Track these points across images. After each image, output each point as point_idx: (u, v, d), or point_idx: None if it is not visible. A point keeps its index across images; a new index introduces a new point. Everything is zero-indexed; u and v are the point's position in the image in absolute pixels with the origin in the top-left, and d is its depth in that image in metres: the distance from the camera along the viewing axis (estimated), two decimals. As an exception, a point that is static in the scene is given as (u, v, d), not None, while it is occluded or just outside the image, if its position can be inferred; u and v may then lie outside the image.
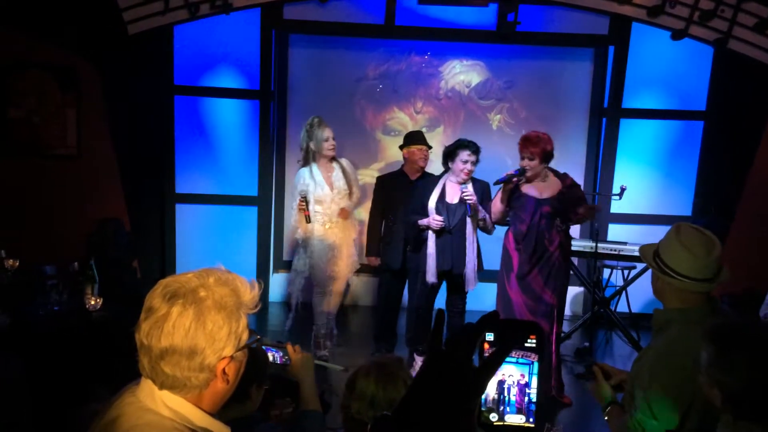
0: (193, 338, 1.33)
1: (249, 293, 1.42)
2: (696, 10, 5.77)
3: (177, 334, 1.33)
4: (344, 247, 5.27)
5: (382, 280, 5.51)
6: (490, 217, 4.79)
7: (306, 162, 5.19)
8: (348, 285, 5.67)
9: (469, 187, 4.77)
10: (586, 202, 4.62)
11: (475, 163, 4.77)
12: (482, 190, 4.88)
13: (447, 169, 4.87)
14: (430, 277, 4.81)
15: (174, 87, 6.38)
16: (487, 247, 5.45)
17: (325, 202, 5.15)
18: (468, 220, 4.74)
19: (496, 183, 4.53)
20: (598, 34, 6.29)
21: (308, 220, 5.08)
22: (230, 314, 1.37)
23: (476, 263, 4.86)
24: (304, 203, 5.04)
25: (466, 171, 4.73)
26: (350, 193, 5.24)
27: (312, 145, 5.14)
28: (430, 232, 4.80)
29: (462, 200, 4.70)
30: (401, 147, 5.42)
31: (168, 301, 1.34)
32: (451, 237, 4.80)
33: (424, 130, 6.40)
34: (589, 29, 6.26)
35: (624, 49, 6.30)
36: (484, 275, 5.80)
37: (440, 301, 5.13)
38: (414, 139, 5.32)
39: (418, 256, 4.92)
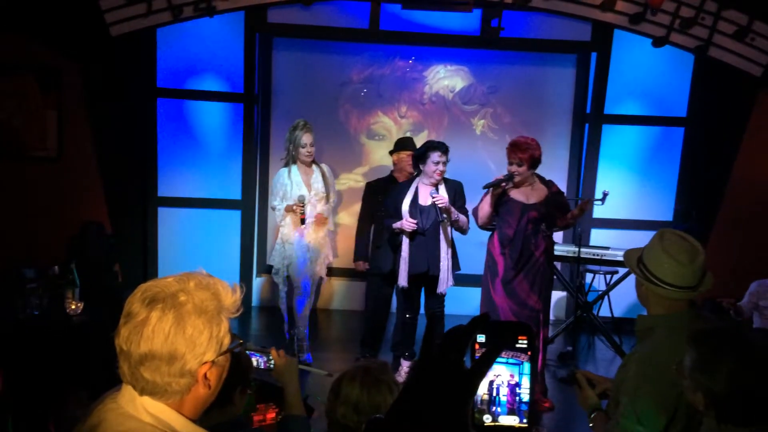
0: (172, 343, 1.31)
1: (230, 297, 1.41)
2: (677, 18, 5.84)
3: (156, 339, 1.31)
4: (320, 249, 5.32)
5: (371, 285, 5.45)
6: (465, 216, 4.83)
7: (287, 162, 5.25)
8: (320, 286, 5.67)
9: (441, 190, 4.77)
10: (570, 210, 4.65)
11: (446, 163, 4.78)
12: (455, 189, 4.89)
13: (418, 172, 4.89)
14: (402, 281, 4.82)
15: (157, 89, 6.34)
16: (469, 250, 5.46)
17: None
18: (442, 222, 4.76)
19: (485, 187, 4.54)
20: (580, 41, 6.35)
21: (303, 222, 5.11)
22: (211, 318, 1.35)
23: (451, 264, 4.86)
24: (301, 206, 5.06)
25: (438, 172, 4.74)
26: (327, 197, 5.30)
27: (291, 148, 5.21)
28: (404, 235, 4.80)
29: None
30: (391, 152, 5.44)
31: (147, 305, 1.33)
32: (426, 239, 4.80)
33: (408, 134, 6.42)
34: (572, 36, 6.31)
35: (606, 56, 6.36)
36: (465, 279, 5.81)
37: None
38: (404, 145, 5.33)
39: (395, 260, 4.92)
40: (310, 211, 5.19)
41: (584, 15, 5.96)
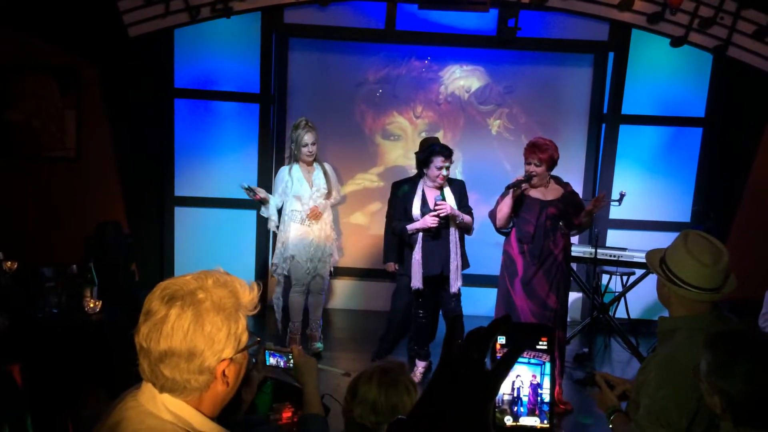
0: (191, 340, 1.32)
1: (248, 295, 1.41)
2: (695, 18, 5.79)
3: (176, 337, 1.32)
4: (323, 245, 5.35)
5: (400, 285, 5.25)
6: (470, 215, 4.89)
7: (289, 160, 5.36)
8: (328, 283, 5.69)
9: (447, 192, 4.79)
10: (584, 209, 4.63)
11: (449, 167, 4.80)
12: (459, 190, 4.93)
13: (421, 174, 4.90)
14: (416, 282, 4.81)
15: (174, 90, 6.38)
16: (484, 251, 5.44)
17: (303, 199, 5.26)
18: (449, 222, 4.79)
19: (509, 187, 4.53)
20: (597, 41, 6.31)
21: (263, 202, 5.29)
22: (229, 316, 1.36)
23: (460, 264, 4.88)
24: (250, 191, 5.25)
25: (441, 176, 4.76)
26: (329, 194, 5.34)
27: (293, 147, 5.29)
28: (419, 236, 4.79)
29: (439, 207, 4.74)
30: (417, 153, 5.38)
31: (166, 303, 1.34)
32: (438, 241, 4.82)
33: (423, 134, 6.41)
34: (589, 35, 6.27)
35: (624, 56, 6.31)
36: (480, 280, 5.80)
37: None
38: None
39: (408, 262, 4.90)
40: (310, 207, 5.27)
41: (602, 15, 5.93)
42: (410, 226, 4.79)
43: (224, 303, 1.36)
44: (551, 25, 6.26)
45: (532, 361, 1.00)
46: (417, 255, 4.81)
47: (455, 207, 4.81)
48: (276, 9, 6.11)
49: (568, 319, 6.35)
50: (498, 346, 0.95)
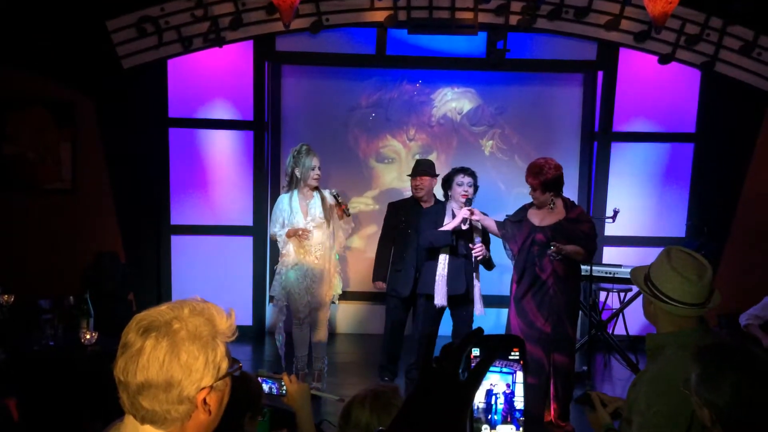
0: (168, 371, 1.32)
1: (225, 321, 1.41)
2: (682, 35, 5.87)
3: (152, 368, 1.32)
4: (323, 274, 5.15)
5: (389, 307, 5.32)
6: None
7: (289, 188, 5.18)
8: (330, 313, 5.51)
9: (478, 245, 4.74)
10: (589, 239, 4.48)
11: (471, 185, 4.82)
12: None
13: (447, 197, 4.94)
14: (440, 299, 4.78)
15: (168, 119, 6.42)
16: (489, 272, 5.46)
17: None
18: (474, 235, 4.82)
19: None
20: (586, 60, 6.38)
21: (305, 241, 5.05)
22: (206, 344, 1.36)
23: (479, 287, 4.90)
24: (308, 232, 5.02)
25: (464, 194, 4.77)
26: (327, 223, 5.13)
27: (297, 172, 5.10)
28: (441, 255, 4.79)
29: (472, 225, 4.75)
30: (410, 176, 5.36)
31: (142, 335, 1.33)
32: (465, 262, 4.83)
33: (417, 157, 6.45)
34: (578, 55, 6.35)
35: (612, 74, 6.38)
36: (486, 301, 5.81)
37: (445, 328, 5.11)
38: (424, 169, 5.26)
39: (429, 281, 4.88)
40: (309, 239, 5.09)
41: (589, 35, 6.01)
42: (447, 226, 4.74)
43: (200, 331, 1.36)
44: (540, 46, 6.33)
45: (504, 369, 1.05)
46: (443, 271, 4.79)
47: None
48: (268, 37, 6.18)
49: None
50: (472, 357, 0.99)
